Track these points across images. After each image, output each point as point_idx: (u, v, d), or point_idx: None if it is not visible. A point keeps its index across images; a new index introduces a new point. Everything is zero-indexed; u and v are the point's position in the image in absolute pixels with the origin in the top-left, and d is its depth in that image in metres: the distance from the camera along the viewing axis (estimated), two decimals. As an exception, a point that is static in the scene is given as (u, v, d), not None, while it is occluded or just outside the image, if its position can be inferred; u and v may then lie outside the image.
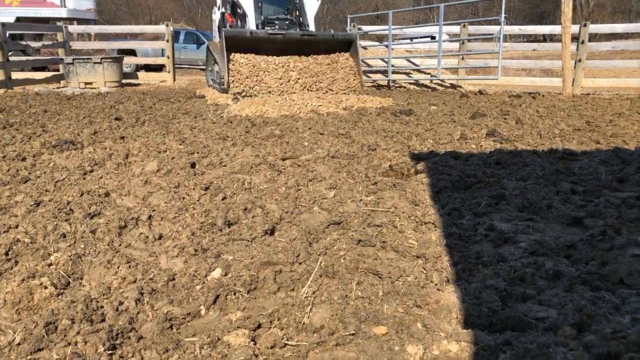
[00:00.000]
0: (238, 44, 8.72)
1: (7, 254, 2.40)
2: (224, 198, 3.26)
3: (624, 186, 3.52)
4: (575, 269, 2.24)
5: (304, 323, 1.84)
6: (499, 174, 3.86)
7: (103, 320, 1.84)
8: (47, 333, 1.73)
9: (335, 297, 1.99)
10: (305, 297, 2.03)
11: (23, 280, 2.09)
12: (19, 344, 1.68)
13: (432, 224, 2.83)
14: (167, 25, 12.90)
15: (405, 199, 3.22)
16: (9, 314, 1.89)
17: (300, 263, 2.34)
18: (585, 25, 10.07)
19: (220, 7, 11.00)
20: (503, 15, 9.71)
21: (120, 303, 1.94)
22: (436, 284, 2.13)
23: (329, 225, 2.79)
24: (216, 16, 11.40)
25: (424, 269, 2.26)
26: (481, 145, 4.94)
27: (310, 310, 1.92)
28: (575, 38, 9.98)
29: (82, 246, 2.52)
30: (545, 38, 32.95)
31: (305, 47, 9.26)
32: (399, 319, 1.84)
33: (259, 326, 1.83)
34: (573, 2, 9.48)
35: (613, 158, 4.29)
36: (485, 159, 4.35)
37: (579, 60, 10.03)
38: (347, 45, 9.66)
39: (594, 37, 12.92)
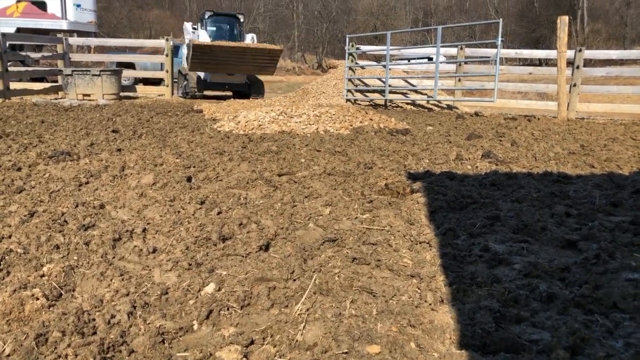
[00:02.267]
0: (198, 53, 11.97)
1: (-1, 264, 2.38)
2: (219, 213, 3.25)
3: (618, 210, 3.54)
4: (569, 292, 2.24)
5: (297, 340, 1.83)
6: (494, 195, 3.88)
7: (94, 333, 1.82)
8: (38, 345, 1.71)
9: (329, 315, 1.98)
10: (299, 314, 2.01)
11: (15, 290, 2.07)
12: (8, 355, 1.66)
13: (427, 243, 2.83)
14: (167, 40, 12.99)
15: (401, 217, 3.23)
16: (-1, 325, 1.87)
17: (294, 280, 2.33)
18: (580, 50, 10.22)
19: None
20: (500, 38, 9.85)
21: (112, 316, 1.92)
22: (430, 304, 2.12)
23: (324, 242, 2.79)
24: (184, 50, 14.06)
25: (419, 289, 2.25)
26: (477, 167, 4.97)
27: (304, 327, 1.91)
28: (570, 63, 10.11)
29: (75, 258, 2.50)
30: (540, 62, 33.39)
31: (243, 61, 12.48)
32: (393, 338, 1.83)
33: (252, 342, 1.82)
34: (568, 27, 9.63)
35: (607, 182, 4.32)
36: (480, 180, 4.37)
37: (574, 85, 10.14)
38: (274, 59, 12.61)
39: (589, 63, 13.08)
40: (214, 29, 13.93)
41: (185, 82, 13.38)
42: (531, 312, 2.06)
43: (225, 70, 12.92)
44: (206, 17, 13.81)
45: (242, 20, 14.39)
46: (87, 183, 3.94)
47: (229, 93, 14.52)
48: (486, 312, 2.03)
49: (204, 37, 13.15)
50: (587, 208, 3.55)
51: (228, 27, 14.18)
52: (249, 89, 13.89)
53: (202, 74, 13.38)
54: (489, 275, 2.41)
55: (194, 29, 13.76)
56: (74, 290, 2.20)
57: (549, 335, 1.88)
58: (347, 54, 12.59)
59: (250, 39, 13.73)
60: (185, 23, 14.47)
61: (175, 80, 15.78)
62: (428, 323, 1.96)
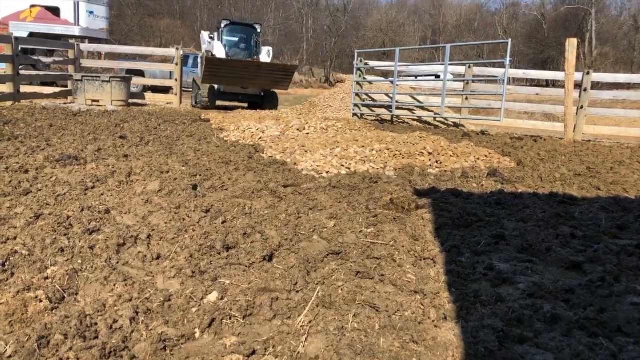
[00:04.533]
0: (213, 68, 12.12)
1: (3, 265, 2.38)
2: (224, 222, 3.26)
3: (624, 234, 3.53)
4: (573, 314, 2.23)
5: (298, 352, 1.82)
6: (499, 214, 3.87)
7: (96, 337, 1.82)
8: (40, 347, 1.71)
9: (331, 328, 1.97)
10: (301, 326, 2.01)
11: (18, 292, 2.08)
12: (10, 356, 1.66)
13: (431, 260, 2.82)
14: (177, 49, 13.09)
15: (405, 233, 3.22)
16: (2, 326, 1.87)
17: (297, 291, 2.32)
18: (588, 73, 10.24)
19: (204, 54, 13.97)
20: (508, 58, 9.88)
21: (115, 321, 1.92)
22: (433, 321, 2.11)
23: (327, 254, 2.78)
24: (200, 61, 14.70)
25: (422, 305, 2.24)
26: (482, 185, 4.97)
27: (306, 339, 1.90)
28: (578, 85, 10.13)
29: (80, 262, 2.51)
30: (548, 83, 33.45)
31: (257, 76, 12.58)
32: (395, 353, 1.82)
33: (253, 352, 1.81)
34: (577, 50, 9.66)
35: (613, 205, 4.30)
36: (486, 199, 4.36)
37: (581, 107, 10.15)
38: (289, 75, 12.85)
39: (596, 86, 13.12)
40: (230, 39, 14.01)
41: (199, 91, 13.40)
42: (535, 333, 2.05)
43: (239, 84, 13.03)
44: (222, 26, 13.88)
45: (259, 30, 14.36)
46: (93, 188, 3.95)
47: (240, 103, 14.37)
48: (489, 331, 2.02)
49: (219, 49, 13.33)
50: (593, 230, 3.54)
51: (245, 37, 14.20)
52: (263, 101, 13.91)
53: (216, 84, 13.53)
54: (493, 294, 2.40)
55: (210, 38, 13.79)
56: (77, 294, 2.20)
57: (552, 357, 1.87)
58: (355, 69, 12.66)
59: (266, 53, 13.80)
60: (202, 32, 14.48)
61: (188, 89, 15.80)
62: (431, 340, 1.95)
